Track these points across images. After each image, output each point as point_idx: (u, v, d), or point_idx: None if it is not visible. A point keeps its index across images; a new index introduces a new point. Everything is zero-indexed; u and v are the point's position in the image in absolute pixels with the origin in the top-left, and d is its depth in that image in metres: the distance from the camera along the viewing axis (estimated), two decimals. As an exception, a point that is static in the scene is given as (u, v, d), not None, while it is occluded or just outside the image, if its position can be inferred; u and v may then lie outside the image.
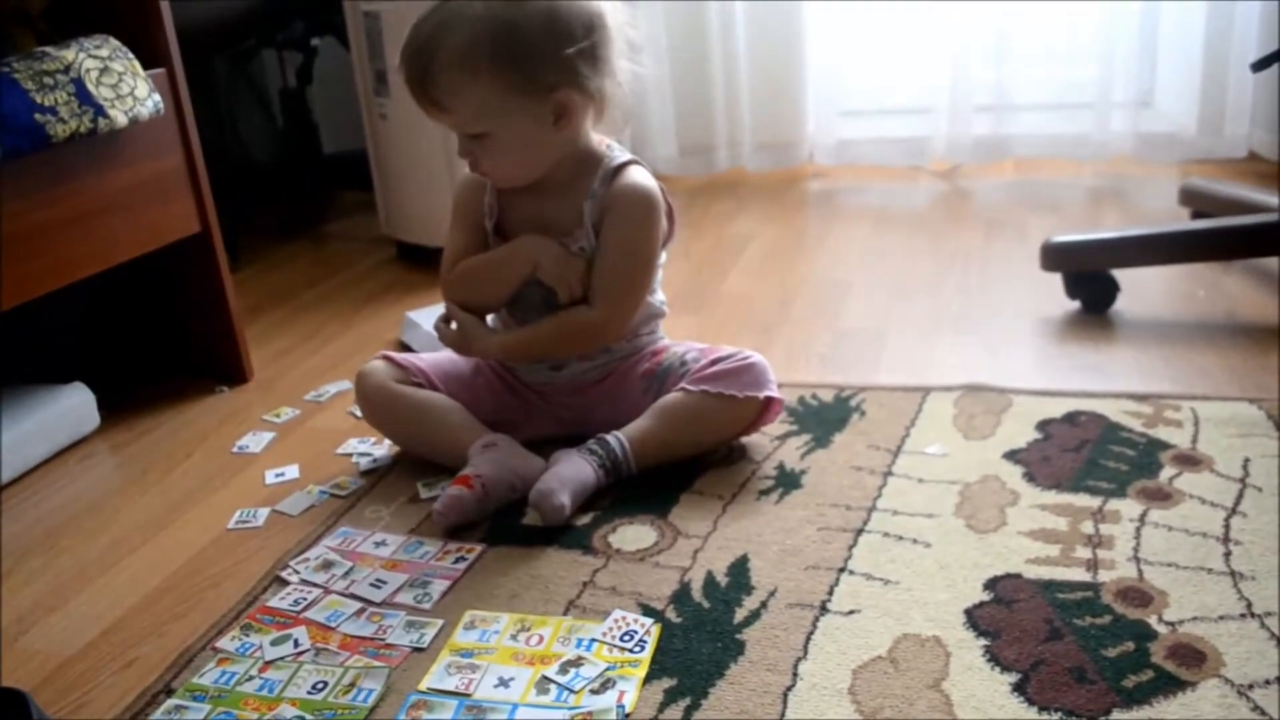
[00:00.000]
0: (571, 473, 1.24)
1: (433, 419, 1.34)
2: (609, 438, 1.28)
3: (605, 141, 1.34)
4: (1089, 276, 1.72)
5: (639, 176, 1.31)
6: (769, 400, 1.31)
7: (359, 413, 1.44)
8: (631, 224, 1.30)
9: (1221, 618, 0.98)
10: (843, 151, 2.67)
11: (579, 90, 1.23)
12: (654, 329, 1.42)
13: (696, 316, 1.84)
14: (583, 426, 1.34)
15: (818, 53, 2.61)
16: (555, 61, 1.21)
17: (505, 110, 1.22)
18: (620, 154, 1.33)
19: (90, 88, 1.40)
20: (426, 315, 1.75)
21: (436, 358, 1.41)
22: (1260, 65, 1.56)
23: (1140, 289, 1.76)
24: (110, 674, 1.05)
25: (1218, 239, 1.71)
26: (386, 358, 1.38)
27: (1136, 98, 2.48)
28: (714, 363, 1.32)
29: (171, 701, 0.98)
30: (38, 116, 1.33)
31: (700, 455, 1.33)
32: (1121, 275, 1.73)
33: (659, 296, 1.41)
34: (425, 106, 1.25)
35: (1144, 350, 1.56)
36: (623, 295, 1.31)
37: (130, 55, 1.48)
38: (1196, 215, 2.00)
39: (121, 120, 1.44)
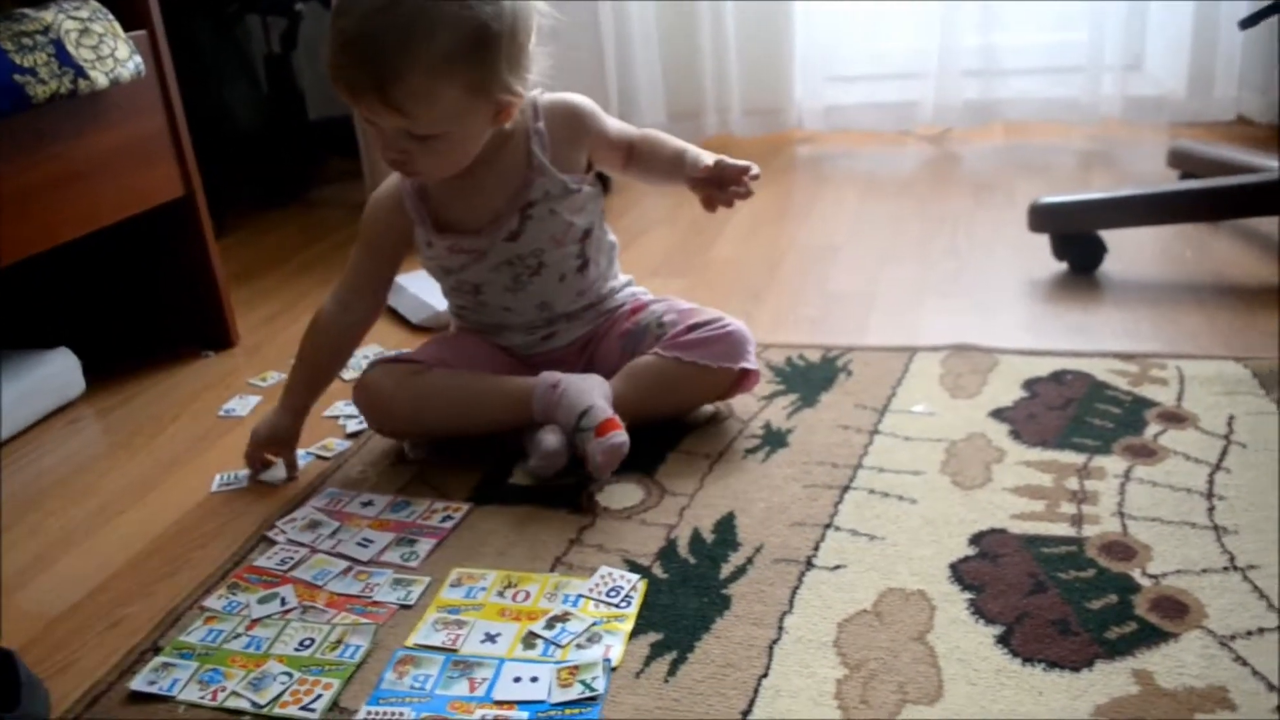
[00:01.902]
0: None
1: (471, 391, 1.27)
2: None
3: None
4: (1076, 237, 1.72)
5: (556, 95, 1.29)
6: (744, 371, 1.30)
7: (364, 423, 1.36)
8: (599, 114, 1.32)
9: (1204, 571, 0.99)
10: (831, 117, 2.67)
11: (524, 85, 1.19)
12: (616, 270, 1.40)
13: (685, 280, 1.83)
14: None
15: (806, 18, 2.60)
16: (514, 63, 1.16)
17: (464, 112, 1.15)
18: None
19: (70, 49, 1.39)
20: (412, 279, 1.74)
21: (428, 346, 1.36)
22: (1248, 22, 1.55)
23: (1128, 250, 1.76)
24: (97, 633, 1.06)
25: (1205, 200, 1.71)
26: (384, 362, 1.31)
27: (1125, 61, 2.47)
28: (691, 329, 1.30)
29: (159, 659, 0.98)
30: (17, 77, 1.32)
31: (681, 415, 1.33)
32: (1109, 236, 1.73)
33: (608, 227, 1.38)
34: (374, 111, 1.13)
35: (1131, 310, 1.57)
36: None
37: (110, 16, 1.47)
38: (1185, 177, 2.00)
39: (102, 81, 1.42)
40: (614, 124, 1.34)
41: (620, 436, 1.17)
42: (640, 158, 1.35)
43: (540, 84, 1.24)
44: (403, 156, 1.18)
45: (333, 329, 1.33)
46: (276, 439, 1.32)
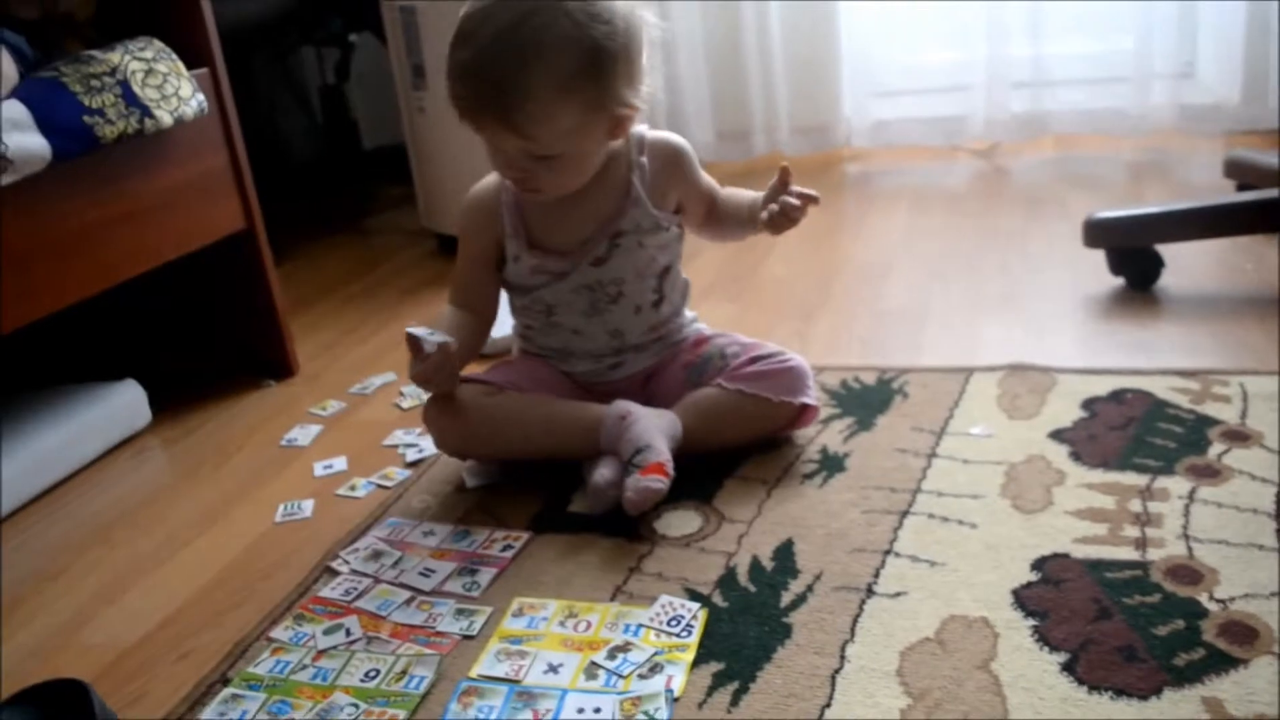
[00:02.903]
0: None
1: (542, 415, 1.28)
2: None
3: None
4: (1132, 252, 1.70)
5: (662, 133, 1.34)
6: (804, 406, 1.30)
7: (430, 439, 1.35)
8: (695, 161, 1.35)
9: (1273, 594, 0.97)
10: (879, 133, 2.66)
11: (640, 100, 1.21)
12: (684, 310, 1.41)
13: (736, 303, 1.84)
14: None
15: (852, 34, 2.60)
16: (630, 78, 1.18)
17: (582, 130, 1.18)
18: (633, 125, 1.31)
19: (136, 89, 1.42)
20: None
21: (498, 369, 1.36)
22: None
23: (1185, 264, 1.74)
24: (167, 665, 1.08)
25: (1264, 211, 1.68)
26: (462, 380, 1.30)
27: (1177, 69, 2.44)
28: (753, 361, 1.31)
29: (228, 691, 1.00)
30: (86, 119, 1.36)
31: (739, 447, 1.33)
32: (1165, 250, 1.71)
33: (681, 268, 1.40)
34: (496, 132, 1.17)
35: (1190, 326, 1.55)
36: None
37: (174, 56, 1.50)
38: (1242, 188, 1.97)
39: (167, 120, 1.46)
40: (705, 176, 1.37)
41: (658, 483, 1.17)
42: (720, 213, 1.37)
43: (648, 105, 1.26)
44: (524, 175, 1.22)
45: (464, 326, 1.31)
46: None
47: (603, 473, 1.21)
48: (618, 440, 1.22)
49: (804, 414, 1.32)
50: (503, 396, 1.29)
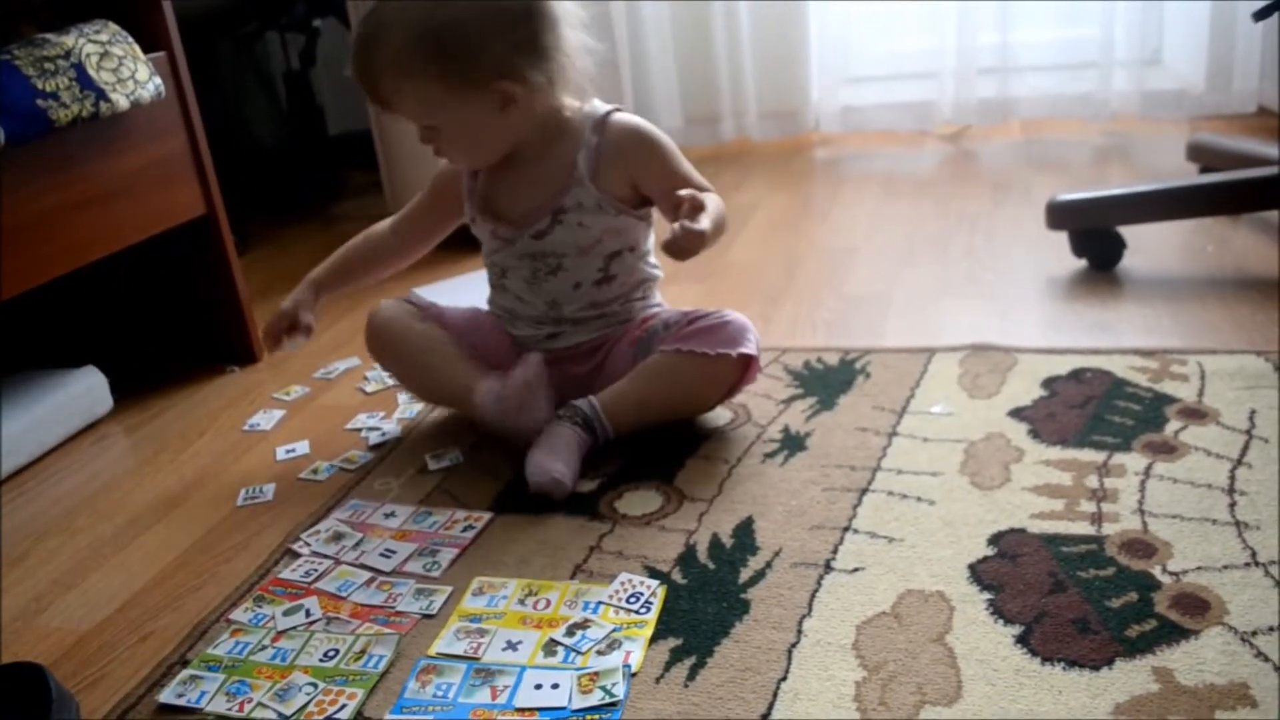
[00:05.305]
0: (555, 444, 1.24)
1: (435, 354, 1.36)
2: (577, 402, 1.29)
3: (579, 103, 1.31)
4: (1095, 234, 1.72)
5: (631, 117, 1.34)
6: (745, 359, 1.29)
7: (375, 366, 1.47)
8: (663, 151, 1.32)
9: (1225, 567, 0.98)
10: (848, 118, 2.67)
11: (518, 80, 1.22)
12: (646, 294, 1.41)
13: (703, 285, 1.84)
14: (577, 397, 1.32)
15: (821, 20, 2.61)
16: (489, 56, 1.20)
17: (448, 104, 1.23)
18: (601, 105, 1.33)
19: (91, 72, 1.41)
20: (431, 291, 1.76)
21: (453, 308, 1.44)
22: (1262, 14, 1.54)
23: (1147, 245, 1.75)
24: (127, 647, 1.07)
25: (1225, 193, 1.70)
26: (404, 300, 1.43)
27: (1143, 55, 2.46)
28: (691, 322, 1.31)
29: (186, 672, 1.00)
30: (39, 102, 1.34)
31: (696, 419, 1.34)
32: (1128, 232, 1.72)
33: (651, 260, 1.40)
34: (375, 104, 1.28)
35: (1151, 306, 1.56)
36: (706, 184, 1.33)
37: (130, 39, 1.49)
38: (1204, 170, 1.99)
39: (123, 104, 1.45)
40: (682, 169, 1.32)
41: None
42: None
43: (586, 86, 1.29)
44: (432, 145, 1.29)
45: (375, 241, 1.50)
46: (293, 305, 1.46)
47: (553, 470, 1.20)
48: (513, 415, 1.27)
49: (747, 368, 1.30)
50: (421, 325, 1.38)
